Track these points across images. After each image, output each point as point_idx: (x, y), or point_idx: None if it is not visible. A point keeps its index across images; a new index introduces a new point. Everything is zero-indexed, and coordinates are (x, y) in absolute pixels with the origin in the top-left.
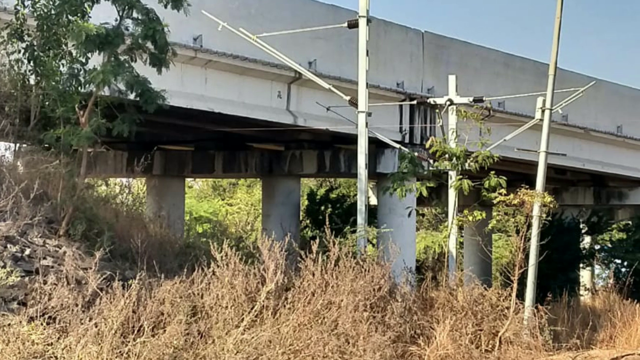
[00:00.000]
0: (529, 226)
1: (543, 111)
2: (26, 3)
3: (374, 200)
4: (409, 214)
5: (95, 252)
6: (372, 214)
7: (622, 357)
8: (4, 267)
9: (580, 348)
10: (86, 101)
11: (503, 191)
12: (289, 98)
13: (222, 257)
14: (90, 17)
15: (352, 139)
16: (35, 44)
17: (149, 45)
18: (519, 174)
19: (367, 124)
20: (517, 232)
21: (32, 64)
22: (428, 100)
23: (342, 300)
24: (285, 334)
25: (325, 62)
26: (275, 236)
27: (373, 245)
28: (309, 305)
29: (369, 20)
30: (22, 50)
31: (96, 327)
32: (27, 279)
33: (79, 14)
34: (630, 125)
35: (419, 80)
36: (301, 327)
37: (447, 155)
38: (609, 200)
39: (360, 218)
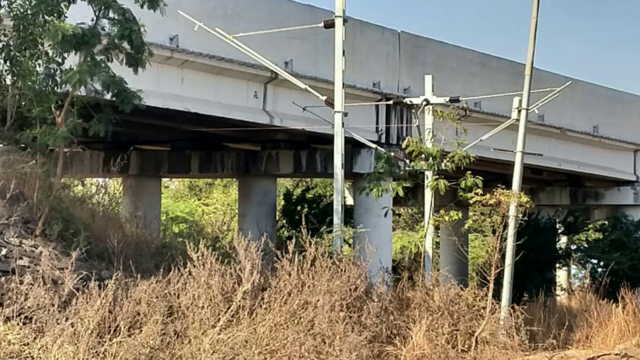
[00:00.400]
0: (505, 226)
1: (519, 111)
2: (2, 3)
3: (350, 200)
4: (385, 214)
5: (71, 252)
6: (349, 214)
7: (599, 357)
8: None
9: (556, 348)
10: (62, 101)
11: (479, 191)
12: (265, 98)
13: (198, 257)
14: (66, 17)
15: (329, 139)
16: (11, 44)
17: (126, 45)
18: (495, 174)
19: (343, 124)
20: (494, 232)
21: (8, 64)
22: (404, 100)
23: (318, 300)
24: (262, 334)
25: (301, 62)
26: (251, 236)
27: (349, 245)
28: (285, 305)
29: (345, 20)
30: None
31: (72, 327)
32: (3, 279)
33: (55, 14)
34: (607, 125)
35: (395, 80)
36: (277, 327)
37: (423, 155)
38: (585, 200)
39: (337, 218)
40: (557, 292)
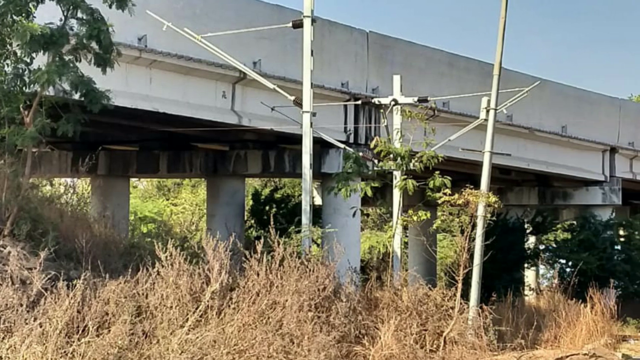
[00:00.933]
0: (474, 226)
1: (488, 111)
2: None
3: (318, 200)
4: (354, 214)
5: (39, 252)
6: (317, 214)
7: (567, 357)
8: None
9: (525, 348)
10: (31, 101)
11: (448, 191)
12: (233, 98)
13: (166, 257)
14: (34, 17)
15: (297, 139)
16: None
17: (94, 45)
18: (463, 174)
19: (311, 124)
20: (462, 232)
21: None
22: (373, 100)
23: (286, 300)
24: (230, 334)
25: (270, 62)
26: (219, 236)
27: (318, 245)
28: (253, 305)
29: (313, 20)
30: None
31: (41, 327)
32: None
33: (23, 14)
34: (575, 125)
35: (363, 80)
36: (246, 327)
37: (391, 155)
38: (553, 200)
39: (305, 218)
40: (526, 292)
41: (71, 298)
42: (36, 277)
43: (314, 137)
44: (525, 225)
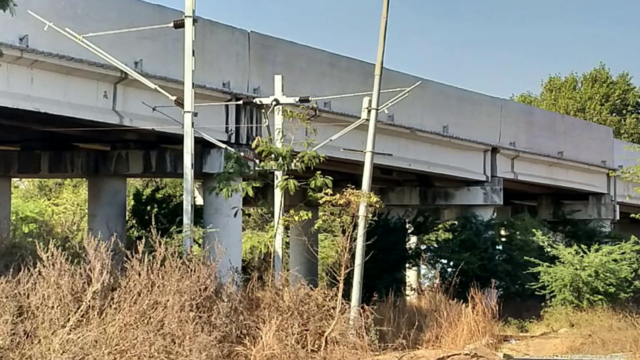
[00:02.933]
0: (355, 226)
1: (369, 111)
2: None
3: (200, 200)
4: (235, 214)
5: None
6: (198, 214)
7: (448, 357)
8: None
9: (406, 348)
10: None
11: (329, 191)
12: (115, 98)
13: (48, 257)
14: None
15: (179, 139)
16: None
17: None
18: (345, 174)
19: (193, 124)
20: (343, 232)
21: None
22: (254, 100)
23: (168, 300)
24: (112, 334)
25: (151, 62)
26: (101, 236)
27: (199, 245)
28: (135, 305)
29: (195, 20)
30: None
31: None
32: None
33: None
34: (456, 125)
35: (245, 80)
36: (127, 327)
37: (273, 155)
38: (435, 200)
39: (187, 218)
40: (407, 292)
41: None
42: None
43: (195, 137)
44: (407, 225)
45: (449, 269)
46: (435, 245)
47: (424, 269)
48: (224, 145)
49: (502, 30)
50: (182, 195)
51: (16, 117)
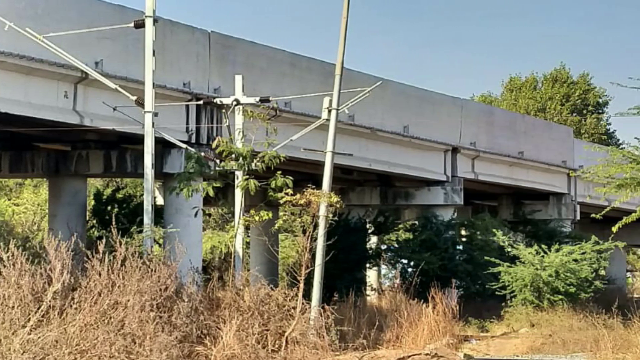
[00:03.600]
0: (316, 226)
1: (329, 111)
2: None
3: (160, 200)
4: (196, 214)
5: None
6: (159, 214)
7: (409, 357)
8: None
9: (367, 348)
10: None
11: (289, 191)
12: (75, 98)
13: (8, 257)
14: None
15: (139, 139)
16: None
17: None
18: (305, 174)
19: (153, 124)
20: (304, 232)
21: None
22: (214, 100)
23: (128, 300)
24: (72, 334)
25: (112, 62)
26: (61, 236)
27: (159, 245)
28: (95, 305)
29: (155, 20)
30: None
31: None
32: None
33: None
34: (417, 125)
35: (205, 80)
36: (88, 327)
37: (233, 155)
38: (395, 200)
39: (147, 218)
40: (368, 292)
41: None
42: None
43: (155, 137)
44: (367, 225)
45: (410, 269)
46: (396, 245)
47: (384, 269)
48: (184, 145)
49: (462, 30)
50: (142, 195)
51: None
